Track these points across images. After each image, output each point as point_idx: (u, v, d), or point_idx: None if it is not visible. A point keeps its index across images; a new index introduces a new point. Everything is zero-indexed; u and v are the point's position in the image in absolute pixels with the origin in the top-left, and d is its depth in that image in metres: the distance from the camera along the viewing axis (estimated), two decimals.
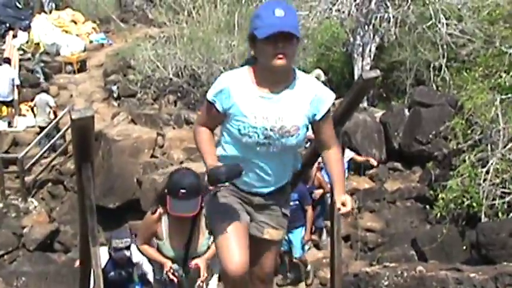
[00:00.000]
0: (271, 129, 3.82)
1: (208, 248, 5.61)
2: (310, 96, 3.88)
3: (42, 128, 18.28)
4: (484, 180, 10.93)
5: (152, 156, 15.93)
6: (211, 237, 5.00)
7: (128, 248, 7.40)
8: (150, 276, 7.13)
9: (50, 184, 17.24)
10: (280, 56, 3.66)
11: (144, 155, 15.67)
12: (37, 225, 15.18)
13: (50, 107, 18.60)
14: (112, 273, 7.49)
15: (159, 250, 5.69)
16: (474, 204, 10.85)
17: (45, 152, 17.51)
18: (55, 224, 15.36)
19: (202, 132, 3.96)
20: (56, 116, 18.50)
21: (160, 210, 5.53)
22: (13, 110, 19.78)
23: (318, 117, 3.91)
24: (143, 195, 14.25)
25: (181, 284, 5.54)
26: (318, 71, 17.59)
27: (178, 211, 5.24)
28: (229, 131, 3.89)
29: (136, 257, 7.56)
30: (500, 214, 10.64)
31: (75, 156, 4.25)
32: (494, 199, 10.82)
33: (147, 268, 7.60)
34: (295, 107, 3.86)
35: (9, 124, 19.65)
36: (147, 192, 14.08)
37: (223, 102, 3.82)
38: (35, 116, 19.20)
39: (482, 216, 10.66)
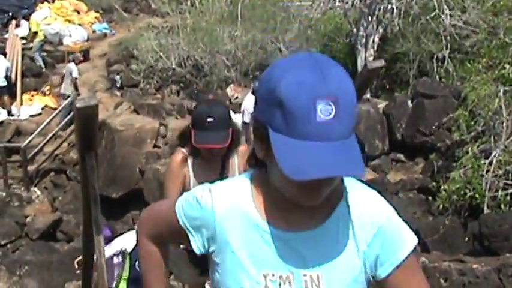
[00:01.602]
0: None
1: None
2: (369, 230, 1.99)
3: (67, 96, 18.72)
4: (487, 171, 10.91)
5: (155, 146, 15.93)
6: None
7: None
8: None
9: (52, 173, 17.29)
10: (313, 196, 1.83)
11: (146, 145, 15.67)
12: (40, 214, 15.22)
13: (72, 78, 18.99)
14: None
15: None
16: (477, 195, 10.84)
17: (49, 140, 17.58)
18: (58, 214, 15.42)
19: (152, 255, 2.25)
20: (76, 88, 18.93)
21: (184, 150, 4.72)
22: (7, 98, 19.96)
23: (382, 273, 1.96)
24: (146, 185, 14.25)
25: None
26: None
27: (204, 142, 4.42)
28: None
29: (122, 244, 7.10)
30: (502, 206, 10.63)
31: (79, 146, 4.24)
32: (497, 191, 10.79)
33: None
34: (343, 251, 1.94)
35: (9, 113, 19.76)
36: (150, 182, 14.09)
37: (203, 240, 2.01)
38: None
39: (485, 207, 10.65)
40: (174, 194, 4.39)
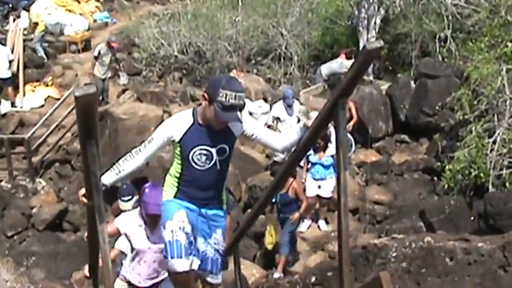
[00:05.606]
0: None
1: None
2: None
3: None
4: (491, 150, 10.92)
5: None
6: None
7: (242, 108, 4.50)
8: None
9: (57, 164, 17.30)
10: None
11: (150, 133, 15.45)
12: (45, 205, 15.24)
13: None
14: (196, 150, 4.78)
15: None
16: (481, 174, 10.85)
17: (53, 131, 17.55)
18: (63, 204, 15.41)
19: None
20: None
21: None
22: (11, 90, 19.90)
23: None
24: (150, 174, 14.26)
25: None
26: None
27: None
28: None
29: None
30: (507, 184, 10.64)
31: (80, 134, 4.24)
32: (501, 169, 10.81)
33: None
34: None
35: (13, 104, 19.73)
36: (154, 170, 14.11)
37: None
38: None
39: (490, 186, 10.66)
40: None
